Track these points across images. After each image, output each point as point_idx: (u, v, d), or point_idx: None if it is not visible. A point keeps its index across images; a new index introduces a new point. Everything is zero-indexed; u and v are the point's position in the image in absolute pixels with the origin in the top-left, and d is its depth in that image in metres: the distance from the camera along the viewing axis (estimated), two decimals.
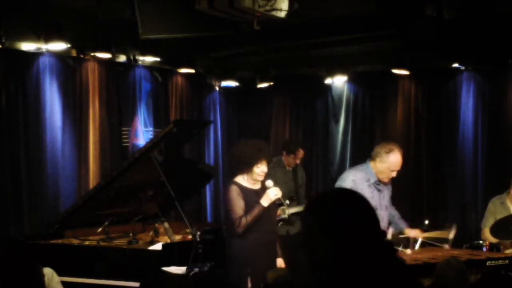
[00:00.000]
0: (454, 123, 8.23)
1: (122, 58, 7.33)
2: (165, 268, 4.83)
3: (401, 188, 7.75)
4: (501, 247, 6.17)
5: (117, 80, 7.58)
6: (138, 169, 5.39)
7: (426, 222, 6.41)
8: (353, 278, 2.05)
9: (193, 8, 4.89)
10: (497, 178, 7.39)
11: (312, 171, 9.08)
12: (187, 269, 4.81)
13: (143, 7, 5.30)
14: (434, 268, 4.48)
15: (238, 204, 5.17)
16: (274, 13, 4.85)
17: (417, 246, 5.85)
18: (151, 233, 5.59)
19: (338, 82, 8.68)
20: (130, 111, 7.74)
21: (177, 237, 5.56)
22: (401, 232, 5.72)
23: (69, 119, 7.00)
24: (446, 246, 5.76)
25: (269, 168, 5.39)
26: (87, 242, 5.47)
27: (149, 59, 7.56)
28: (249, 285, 5.08)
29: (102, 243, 5.39)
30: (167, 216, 5.83)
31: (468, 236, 7.39)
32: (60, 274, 4.53)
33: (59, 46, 6.41)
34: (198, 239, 4.98)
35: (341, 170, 8.08)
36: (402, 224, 5.73)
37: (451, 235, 5.87)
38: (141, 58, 7.43)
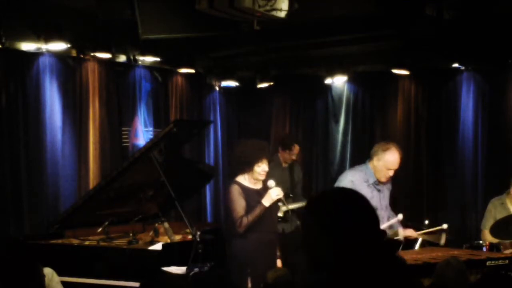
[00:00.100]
0: (454, 123, 8.22)
1: (122, 58, 7.32)
2: (165, 268, 4.83)
3: (401, 188, 7.75)
4: (501, 247, 6.17)
5: (117, 80, 7.57)
6: (138, 169, 5.39)
7: (426, 222, 6.40)
8: (353, 278, 2.05)
9: (193, 8, 4.89)
10: (497, 178, 7.38)
11: (312, 171, 9.07)
12: (187, 269, 4.81)
13: (143, 7, 5.30)
14: (434, 268, 4.48)
15: (239, 203, 5.17)
16: (274, 13, 4.84)
17: (417, 246, 5.85)
18: (151, 233, 5.59)
19: (338, 82, 8.67)
20: (130, 111, 7.73)
21: (177, 237, 5.55)
22: (396, 233, 5.72)
23: (69, 119, 6.99)
24: (442, 242, 5.78)
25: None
26: (87, 242, 5.47)
27: (149, 59, 7.55)
28: (249, 285, 5.08)
29: (102, 243, 5.39)
30: (167, 216, 5.83)
31: (468, 236, 7.39)
32: (60, 274, 4.54)
33: (59, 46, 6.40)
34: (198, 239, 4.98)
35: (341, 170, 8.07)
36: (396, 225, 5.72)
37: (442, 240, 5.87)
38: (141, 58, 7.42)
